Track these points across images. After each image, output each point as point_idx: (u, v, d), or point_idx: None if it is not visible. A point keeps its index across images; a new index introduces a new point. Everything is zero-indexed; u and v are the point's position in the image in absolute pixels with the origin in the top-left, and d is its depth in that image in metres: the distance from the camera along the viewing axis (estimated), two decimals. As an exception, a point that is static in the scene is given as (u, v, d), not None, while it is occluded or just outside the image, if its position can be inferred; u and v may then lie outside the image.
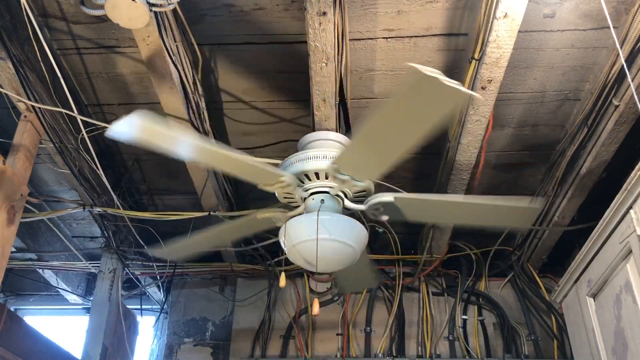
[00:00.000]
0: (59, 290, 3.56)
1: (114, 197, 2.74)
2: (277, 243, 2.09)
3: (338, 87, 2.04)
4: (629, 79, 1.96)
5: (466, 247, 3.26)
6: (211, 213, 2.82)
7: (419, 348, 3.15)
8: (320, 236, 1.83)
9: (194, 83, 2.26)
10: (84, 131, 2.32)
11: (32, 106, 2.18)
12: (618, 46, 1.97)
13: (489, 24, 1.84)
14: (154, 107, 2.45)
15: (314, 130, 2.20)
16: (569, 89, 2.35)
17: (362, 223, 2.00)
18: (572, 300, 2.37)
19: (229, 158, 1.82)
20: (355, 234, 1.92)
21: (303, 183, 1.99)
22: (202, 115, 2.37)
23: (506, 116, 2.49)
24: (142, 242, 3.13)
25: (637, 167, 1.77)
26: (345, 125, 2.29)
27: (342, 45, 1.97)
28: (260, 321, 3.27)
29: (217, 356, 3.38)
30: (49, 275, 3.40)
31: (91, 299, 3.33)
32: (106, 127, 2.32)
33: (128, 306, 3.34)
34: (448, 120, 2.41)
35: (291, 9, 2.03)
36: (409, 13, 2.04)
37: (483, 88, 2.05)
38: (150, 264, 3.30)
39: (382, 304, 3.29)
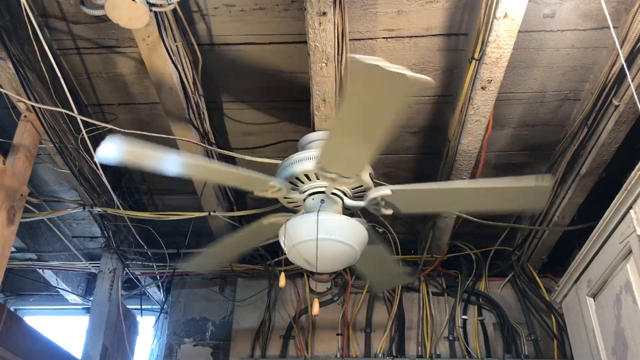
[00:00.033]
0: (59, 290, 3.56)
1: (114, 197, 2.74)
2: (277, 243, 2.09)
3: (338, 87, 2.04)
4: (629, 79, 1.96)
5: (466, 247, 3.26)
6: (211, 213, 2.82)
7: (419, 348, 3.15)
8: (320, 236, 1.83)
9: (194, 83, 2.26)
10: (84, 131, 2.33)
11: (32, 106, 2.18)
12: (618, 46, 1.97)
13: (489, 24, 1.84)
14: (154, 107, 2.46)
15: (313, 131, 2.20)
16: (569, 89, 2.35)
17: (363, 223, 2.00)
18: (572, 300, 2.37)
19: (218, 170, 1.84)
20: (355, 234, 1.92)
21: (297, 186, 2.00)
22: (202, 115, 2.37)
23: (506, 116, 2.49)
24: (142, 242, 3.14)
25: (637, 167, 1.77)
26: (345, 125, 2.29)
27: (342, 45, 1.97)
28: (260, 321, 3.27)
29: (217, 356, 3.38)
30: (49, 275, 3.40)
31: (91, 299, 3.34)
32: (106, 127, 2.33)
33: (128, 306, 3.34)
34: (448, 121, 2.42)
35: (291, 9, 2.03)
36: (409, 13, 2.04)
37: (483, 88, 2.05)
38: (150, 264, 3.30)
39: (382, 304, 3.29)
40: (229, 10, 2.06)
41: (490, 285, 3.30)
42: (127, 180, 2.92)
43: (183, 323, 3.50)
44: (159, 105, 2.23)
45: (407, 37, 2.14)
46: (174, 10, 1.99)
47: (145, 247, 3.18)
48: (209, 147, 2.46)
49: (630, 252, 1.87)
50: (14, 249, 3.19)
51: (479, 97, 2.09)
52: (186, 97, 2.22)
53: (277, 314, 3.32)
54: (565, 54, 2.20)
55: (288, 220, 1.97)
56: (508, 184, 1.86)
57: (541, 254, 3.12)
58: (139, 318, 3.45)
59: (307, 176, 1.96)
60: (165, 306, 3.55)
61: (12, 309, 3.69)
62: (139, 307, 3.47)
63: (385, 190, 1.91)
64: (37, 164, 2.64)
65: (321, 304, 3.22)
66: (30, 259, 3.31)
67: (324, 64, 1.93)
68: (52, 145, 2.36)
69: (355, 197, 2.07)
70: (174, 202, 3.11)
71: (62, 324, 3.92)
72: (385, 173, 2.82)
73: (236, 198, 2.95)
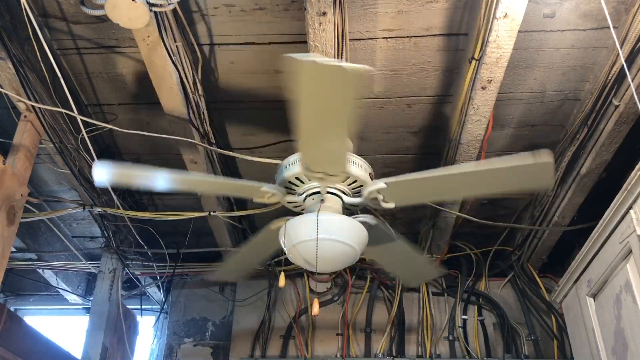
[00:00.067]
0: (59, 290, 3.56)
1: (114, 197, 2.74)
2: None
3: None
4: (629, 79, 1.96)
5: (466, 247, 3.26)
6: (211, 213, 2.82)
7: (419, 348, 3.16)
8: (320, 236, 1.83)
9: (194, 83, 2.26)
10: (84, 131, 2.33)
11: (32, 106, 2.18)
12: (618, 46, 1.97)
13: (489, 24, 1.84)
14: (154, 107, 2.45)
15: (314, 130, 2.19)
16: (569, 89, 2.35)
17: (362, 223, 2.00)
18: (572, 300, 2.37)
19: (208, 182, 1.86)
20: (355, 234, 1.92)
21: (294, 189, 2.00)
22: (202, 115, 2.37)
23: (506, 116, 2.49)
24: (142, 242, 3.14)
25: (637, 167, 1.77)
26: (345, 125, 2.29)
27: (342, 45, 1.97)
28: (260, 321, 3.27)
29: (217, 356, 3.38)
30: (49, 275, 3.41)
31: (91, 299, 3.34)
32: (106, 127, 2.33)
33: (128, 306, 3.34)
34: (448, 121, 2.42)
35: (291, 9, 2.03)
36: (409, 13, 2.04)
37: (483, 88, 2.05)
38: (150, 264, 3.30)
39: (382, 304, 3.29)
40: (229, 10, 2.06)
41: (490, 285, 3.30)
42: (127, 180, 2.92)
43: (183, 323, 3.50)
44: (159, 105, 2.23)
45: (407, 37, 2.14)
46: (174, 10, 1.99)
47: (145, 247, 3.19)
48: (209, 147, 2.46)
49: (630, 252, 1.87)
50: (14, 249, 3.19)
51: (479, 97, 2.09)
52: (186, 97, 2.22)
53: (277, 314, 3.33)
54: (565, 54, 2.20)
55: (288, 220, 1.97)
56: (505, 164, 1.75)
57: (541, 254, 3.12)
58: (139, 318, 3.45)
59: (299, 179, 1.97)
60: (165, 306, 3.55)
61: (12, 309, 3.69)
62: (139, 307, 3.47)
63: (379, 184, 1.91)
64: (37, 164, 2.64)
65: (321, 304, 3.22)
66: (30, 259, 3.31)
67: (324, 64, 1.92)
68: (52, 145, 2.36)
69: (354, 195, 2.06)
70: (174, 202, 3.11)
71: (62, 324, 3.92)
72: (385, 173, 2.78)
73: (236, 198, 2.95)
